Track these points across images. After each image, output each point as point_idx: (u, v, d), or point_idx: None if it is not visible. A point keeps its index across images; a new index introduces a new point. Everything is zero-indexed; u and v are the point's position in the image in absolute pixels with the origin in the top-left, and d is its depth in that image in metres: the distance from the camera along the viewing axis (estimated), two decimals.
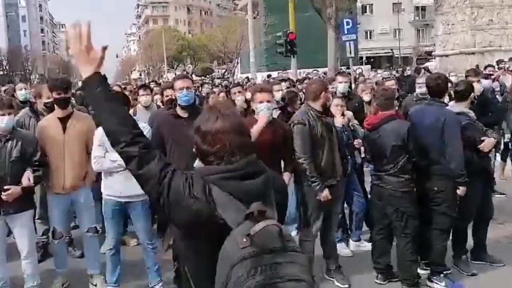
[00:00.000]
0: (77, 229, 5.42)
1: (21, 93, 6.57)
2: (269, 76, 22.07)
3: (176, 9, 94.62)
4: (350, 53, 13.46)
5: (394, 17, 54.09)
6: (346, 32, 13.32)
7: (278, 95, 6.71)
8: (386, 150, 4.42)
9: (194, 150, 1.78)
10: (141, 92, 6.46)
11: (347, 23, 13.34)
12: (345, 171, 4.76)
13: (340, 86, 6.79)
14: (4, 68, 59.75)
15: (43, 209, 5.14)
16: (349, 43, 13.44)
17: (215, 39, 42.77)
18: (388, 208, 4.52)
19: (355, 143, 5.28)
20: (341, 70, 10.94)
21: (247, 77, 25.90)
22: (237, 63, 34.01)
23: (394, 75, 15.22)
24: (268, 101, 4.25)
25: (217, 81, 25.06)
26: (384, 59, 56.46)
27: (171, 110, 4.41)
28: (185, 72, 56.20)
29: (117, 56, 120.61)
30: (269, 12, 31.13)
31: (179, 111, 4.23)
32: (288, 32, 16.73)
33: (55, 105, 4.54)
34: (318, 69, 19.05)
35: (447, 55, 36.18)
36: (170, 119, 4.26)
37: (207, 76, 54.25)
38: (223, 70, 59.86)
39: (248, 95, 6.64)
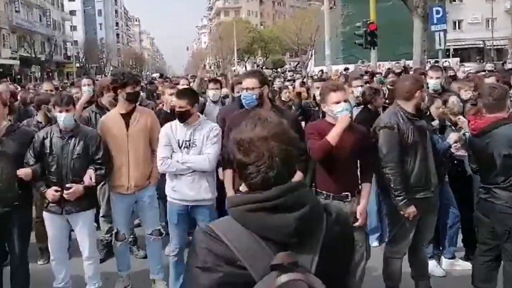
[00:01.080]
0: (141, 227, 5.35)
1: (86, 89, 6.51)
2: (346, 69, 21.40)
3: (248, 0, 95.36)
4: (440, 44, 12.61)
5: (487, 5, 50.77)
6: (435, 22, 12.49)
7: (357, 91, 6.30)
8: (496, 159, 3.88)
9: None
10: (210, 85, 6.32)
11: (437, 12, 12.51)
12: (441, 180, 4.26)
13: (432, 82, 6.22)
14: (80, 60, 63.34)
15: (108, 207, 5.11)
16: (439, 34, 12.59)
17: (288, 30, 42.37)
18: (498, 227, 3.96)
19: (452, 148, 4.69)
20: (434, 64, 10.16)
21: (321, 70, 25.37)
22: (311, 55, 33.41)
23: (493, 69, 13.98)
24: (345, 101, 3.85)
25: (288, 74, 24.77)
26: (475, 51, 53.23)
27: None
28: (255, 65, 56.67)
29: (187, 49, 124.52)
30: (346, 2, 30.31)
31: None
32: (368, 22, 16.06)
33: (126, 100, 4.45)
34: (400, 61, 18.15)
35: None
36: (241, 118, 3.97)
37: (279, 69, 54.21)
38: (295, 63, 59.46)
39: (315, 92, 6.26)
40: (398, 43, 24.49)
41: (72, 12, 69.90)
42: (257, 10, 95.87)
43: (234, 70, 44.86)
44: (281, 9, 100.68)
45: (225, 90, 7.28)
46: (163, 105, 5.98)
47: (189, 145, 4.15)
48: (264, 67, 55.60)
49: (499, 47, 51.59)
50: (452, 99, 4.91)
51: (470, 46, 53.69)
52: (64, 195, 4.05)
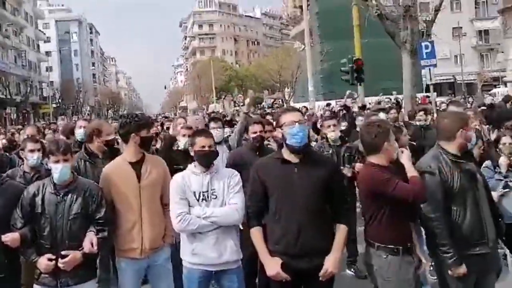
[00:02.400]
0: None
1: (80, 132, 5.46)
2: (328, 105, 21.14)
3: (223, 40, 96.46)
4: (431, 79, 12.35)
5: (455, 42, 52.21)
6: (424, 57, 12.24)
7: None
8: None
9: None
10: (211, 124, 5.65)
11: (426, 47, 12.26)
12: (500, 234, 3.60)
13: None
14: (57, 101, 62.02)
15: (103, 270, 4.35)
16: (429, 69, 12.34)
17: (265, 68, 42.51)
18: None
19: None
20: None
21: (305, 107, 25.09)
22: (293, 92, 33.32)
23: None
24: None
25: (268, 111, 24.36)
26: (446, 85, 54.35)
27: (275, 153, 3.51)
28: (233, 103, 56.56)
29: (165, 88, 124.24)
30: (324, 39, 30.52)
31: (286, 154, 3.31)
32: (354, 58, 15.85)
33: (140, 146, 3.78)
34: (390, 96, 17.99)
35: None
36: (275, 165, 3.32)
37: (257, 105, 54.11)
38: (271, 100, 59.60)
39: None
40: (380, 78, 24.53)
41: (48, 53, 68.87)
42: (232, 49, 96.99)
43: (211, 108, 44.45)
44: (255, 48, 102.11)
45: (227, 130, 6.67)
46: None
47: (208, 196, 3.50)
48: (242, 104, 55.53)
49: (468, 81, 52.79)
50: (506, 139, 4.35)
51: (441, 81, 54.87)
52: (60, 265, 3.29)
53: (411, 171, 3.26)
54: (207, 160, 3.54)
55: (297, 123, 3.21)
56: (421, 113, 7.29)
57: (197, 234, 3.45)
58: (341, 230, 3.29)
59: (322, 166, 3.30)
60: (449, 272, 3.30)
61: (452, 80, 53.96)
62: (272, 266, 3.19)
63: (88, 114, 65.11)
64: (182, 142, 4.99)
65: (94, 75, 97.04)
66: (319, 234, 3.20)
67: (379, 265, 3.33)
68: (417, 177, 3.21)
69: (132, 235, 3.67)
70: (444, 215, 3.33)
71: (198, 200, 3.48)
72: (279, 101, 56.26)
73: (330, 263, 3.19)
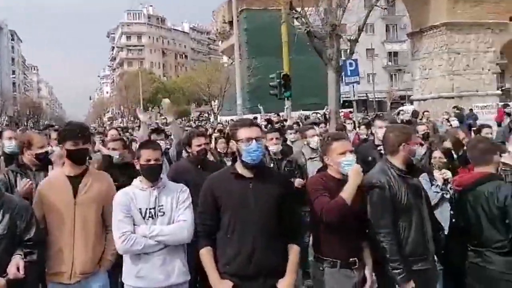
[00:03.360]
0: None
1: (10, 144, 4.94)
2: (255, 118, 21.15)
3: (151, 52, 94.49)
4: (354, 95, 12.67)
5: (368, 62, 54.96)
6: (349, 74, 12.57)
7: (313, 141, 5.63)
8: (482, 220, 3.37)
9: None
10: (154, 137, 5.26)
11: (350, 65, 12.62)
12: (438, 248, 3.51)
13: (381, 132, 5.79)
14: None
15: None
16: (353, 86, 12.68)
17: (194, 81, 42.02)
18: None
19: None
20: (380, 114, 10.02)
21: (232, 120, 24.97)
22: (222, 105, 33.13)
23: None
24: (351, 151, 3.20)
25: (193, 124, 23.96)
26: (359, 102, 56.85)
27: (229, 167, 3.20)
28: (158, 115, 55.29)
29: (90, 98, 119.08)
30: (253, 55, 30.73)
31: (240, 169, 3.02)
32: (282, 74, 15.94)
33: (69, 160, 3.29)
34: (319, 111, 18.30)
35: (425, 99, 36.66)
36: (229, 179, 3.02)
37: (184, 118, 53.31)
38: (198, 113, 59.00)
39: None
40: (304, 95, 25.04)
41: None
42: (160, 61, 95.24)
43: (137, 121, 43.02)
44: (183, 61, 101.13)
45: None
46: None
47: (155, 213, 3.12)
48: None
49: (379, 99, 55.62)
50: (437, 153, 4.38)
51: (356, 98, 57.41)
52: None
53: (345, 190, 3.05)
54: (153, 174, 3.18)
55: (254, 140, 2.94)
56: (363, 127, 7.30)
57: (143, 255, 3.06)
58: (294, 251, 3.04)
59: (276, 182, 3.06)
60: None
61: (365, 98, 56.66)
62: None
63: (6, 125, 60.54)
64: (114, 157, 4.51)
65: (14, 83, 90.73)
66: (274, 254, 2.93)
67: (317, 276, 3.20)
68: (341, 198, 3.02)
69: (61, 257, 3.18)
70: (393, 231, 3.21)
71: (144, 218, 3.10)
72: (205, 114, 55.96)
73: (284, 286, 2.93)
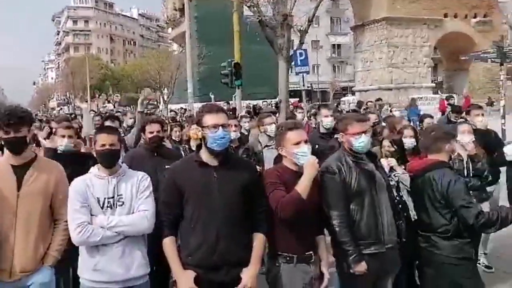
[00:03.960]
0: None
1: None
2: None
3: (99, 37, 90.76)
4: (304, 85, 12.72)
5: (313, 53, 55.73)
6: (299, 64, 12.59)
7: (271, 129, 5.53)
8: (428, 205, 3.45)
9: None
10: (108, 123, 4.94)
11: (300, 55, 12.64)
12: (399, 235, 3.46)
13: (326, 120, 5.84)
14: None
15: None
16: (302, 75, 12.71)
17: (144, 68, 40.77)
18: (440, 280, 3.43)
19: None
20: (325, 103, 10.05)
21: (182, 108, 24.47)
22: (172, 93, 32.34)
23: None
24: (306, 141, 3.05)
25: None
26: (304, 93, 57.72)
27: (193, 155, 3.01)
28: (107, 102, 53.27)
29: (34, 83, 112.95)
30: (203, 43, 30.19)
31: (205, 157, 2.84)
32: (233, 62, 15.74)
33: (7, 149, 2.95)
34: (267, 100, 18.25)
35: (366, 90, 37.75)
36: (193, 168, 2.82)
37: (132, 106, 51.73)
38: (146, 101, 57.36)
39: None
40: (252, 84, 24.93)
41: None
42: (107, 47, 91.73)
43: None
44: (131, 47, 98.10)
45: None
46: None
47: (114, 203, 2.89)
48: (117, 104, 52.53)
49: (323, 89, 56.66)
50: (385, 143, 4.39)
51: (301, 88, 58.20)
52: None
53: (300, 184, 2.91)
54: (108, 159, 2.94)
55: (221, 127, 2.77)
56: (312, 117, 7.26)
57: (100, 247, 2.83)
58: (258, 239, 2.89)
59: (242, 169, 2.91)
60: (350, 270, 3.15)
61: (309, 88, 57.59)
62: (185, 280, 2.71)
63: None
64: (62, 144, 4.09)
65: None
66: (238, 243, 2.79)
67: (272, 271, 3.07)
68: (296, 192, 2.87)
69: (0, 253, 2.86)
70: (344, 214, 3.17)
71: (102, 208, 2.86)
72: (155, 102, 54.62)
73: (247, 277, 2.79)
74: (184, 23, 26.97)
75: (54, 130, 5.17)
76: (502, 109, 13.33)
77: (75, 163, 3.59)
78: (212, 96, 18.19)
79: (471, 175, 4.39)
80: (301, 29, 14.02)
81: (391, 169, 4.15)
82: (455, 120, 6.85)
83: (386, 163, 4.11)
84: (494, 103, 24.51)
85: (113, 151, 2.96)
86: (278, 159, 4.20)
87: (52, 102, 79.43)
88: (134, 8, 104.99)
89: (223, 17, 20.95)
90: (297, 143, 3.00)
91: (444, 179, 3.33)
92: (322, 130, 5.92)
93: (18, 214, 2.88)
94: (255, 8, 13.20)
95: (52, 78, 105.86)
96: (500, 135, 7.19)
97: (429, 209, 3.43)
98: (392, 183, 4.10)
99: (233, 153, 3.41)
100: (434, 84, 39.76)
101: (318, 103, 35.82)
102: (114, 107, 42.11)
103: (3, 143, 2.94)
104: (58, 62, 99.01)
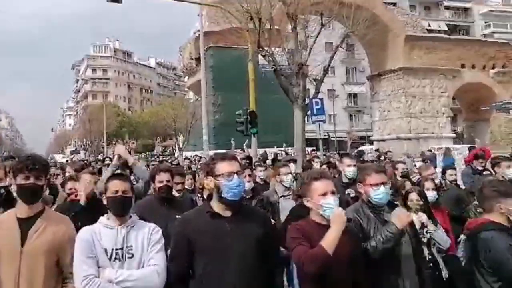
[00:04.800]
0: None
1: None
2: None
3: (117, 85, 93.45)
4: (320, 134, 12.72)
5: (329, 102, 56.26)
6: (315, 113, 12.65)
7: (287, 179, 5.46)
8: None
9: None
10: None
11: (316, 104, 12.73)
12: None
13: (348, 170, 5.72)
14: None
15: None
16: (319, 124, 12.74)
17: (159, 115, 41.57)
18: None
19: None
20: (346, 152, 10.00)
21: (197, 155, 24.62)
22: (187, 140, 32.69)
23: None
24: (333, 192, 2.91)
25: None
26: (322, 141, 57.82)
27: (203, 205, 2.95)
28: (127, 148, 53.67)
29: (52, 130, 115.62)
30: (217, 91, 30.78)
31: (217, 207, 2.77)
32: (249, 111, 15.91)
33: (19, 198, 2.87)
34: (283, 149, 18.27)
35: (384, 140, 37.63)
36: (204, 219, 2.74)
37: (148, 152, 52.35)
38: (162, 148, 58.03)
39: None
40: (268, 132, 25.14)
41: None
42: (125, 95, 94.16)
43: (104, 154, 41.92)
44: (148, 95, 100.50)
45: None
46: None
47: (123, 255, 2.78)
48: (133, 150, 53.11)
49: (340, 139, 56.74)
50: (413, 196, 4.22)
51: (318, 137, 58.36)
52: None
53: (326, 237, 2.72)
54: (121, 207, 2.86)
55: (235, 175, 2.71)
56: (324, 166, 7.18)
57: None
58: None
59: (256, 221, 2.80)
60: None
61: (326, 137, 57.74)
62: None
63: None
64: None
65: None
66: None
67: None
68: (320, 247, 2.68)
69: None
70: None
71: (110, 259, 2.75)
72: (170, 149, 55.08)
73: None
74: (200, 71, 27.67)
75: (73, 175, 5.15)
76: None
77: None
78: (233, 143, 18.27)
79: None
80: (317, 78, 14.21)
81: (422, 225, 3.97)
82: (481, 169, 6.61)
83: (417, 218, 3.91)
84: None
85: (126, 199, 2.90)
86: (296, 209, 4.13)
87: (69, 148, 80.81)
88: (152, 57, 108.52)
89: (238, 66, 21.41)
90: (324, 194, 2.87)
91: (491, 243, 3.03)
92: (344, 179, 5.79)
93: (22, 271, 2.74)
94: (270, 58, 13.48)
95: (70, 125, 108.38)
96: None
97: (475, 271, 3.15)
98: (424, 240, 3.95)
99: (246, 204, 3.31)
100: (454, 135, 39.50)
101: (335, 152, 35.80)
102: (130, 153, 42.59)
103: (17, 190, 2.85)
104: (77, 109, 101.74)
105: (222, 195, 2.73)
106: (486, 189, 3.29)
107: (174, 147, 38.47)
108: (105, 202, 2.95)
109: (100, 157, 26.76)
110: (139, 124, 65.64)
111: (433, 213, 4.21)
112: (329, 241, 2.68)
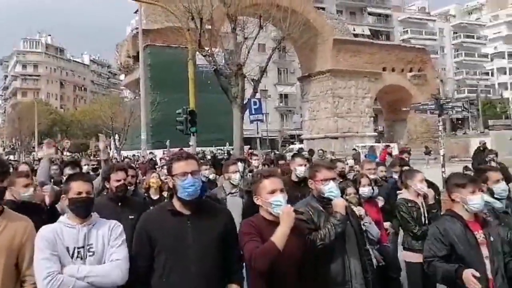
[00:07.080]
0: None
1: None
2: (163, 153, 20.47)
3: (48, 82, 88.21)
4: (258, 133, 12.91)
5: (262, 102, 56.90)
6: (253, 112, 12.81)
7: (234, 177, 5.50)
8: None
9: None
10: (67, 171, 4.69)
11: (254, 103, 12.90)
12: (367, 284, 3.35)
13: (300, 169, 5.81)
14: None
15: None
16: (257, 123, 12.92)
17: (95, 114, 39.69)
18: None
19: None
20: (298, 152, 10.15)
21: (134, 155, 23.91)
22: (125, 139, 31.55)
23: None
24: (282, 190, 2.89)
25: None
26: (254, 140, 58.34)
27: (165, 203, 2.91)
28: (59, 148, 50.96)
29: None
30: (155, 90, 30.06)
31: (178, 205, 2.75)
32: (188, 109, 15.73)
33: None
34: (222, 147, 18.23)
35: (313, 139, 38.81)
36: (165, 217, 2.71)
37: (81, 152, 49.84)
38: (97, 148, 55.61)
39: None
40: (205, 130, 25.01)
41: None
42: (57, 93, 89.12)
43: (35, 155, 39.50)
44: (81, 93, 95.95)
45: None
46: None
47: (84, 253, 2.71)
48: (67, 150, 50.43)
49: (272, 137, 57.61)
50: (350, 190, 4.41)
51: (251, 136, 58.87)
52: None
53: (276, 234, 2.67)
54: (85, 209, 2.78)
55: (189, 175, 2.70)
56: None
57: None
58: None
59: (216, 217, 2.81)
60: None
61: (266, 136, 58.38)
62: None
63: None
64: (25, 195, 3.69)
65: None
66: None
67: None
68: (270, 243, 2.64)
69: None
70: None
71: (72, 258, 2.66)
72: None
73: None
74: (138, 70, 26.94)
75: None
76: (442, 158, 13.94)
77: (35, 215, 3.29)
78: (168, 143, 17.87)
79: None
80: (255, 78, 14.39)
81: (360, 217, 4.14)
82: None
83: (357, 211, 4.09)
84: (432, 152, 25.69)
85: (90, 199, 2.82)
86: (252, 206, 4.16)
87: None
88: (85, 54, 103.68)
89: (176, 65, 21.11)
90: (272, 192, 2.83)
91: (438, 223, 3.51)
92: (294, 178, 5.83)
93: None
94: (210, 58, 13.46)
95: None
96: (440, 183, 7.41)
97: None
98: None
99: (207, 200, 3.31)
100: (376, 133, 41.53)
101: (268, 150, 36.30)
102: (63, 154, 40.28)
103: None
104: (5, 107, 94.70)
105: (179, 195, 2.72)
106: (448, 181, 3.51)
107: (109, 147, 36.99)
108: (65, 203, 2.83)
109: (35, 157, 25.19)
110: (72, 123, 62.53)
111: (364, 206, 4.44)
112: (279, 237, 2.66)
